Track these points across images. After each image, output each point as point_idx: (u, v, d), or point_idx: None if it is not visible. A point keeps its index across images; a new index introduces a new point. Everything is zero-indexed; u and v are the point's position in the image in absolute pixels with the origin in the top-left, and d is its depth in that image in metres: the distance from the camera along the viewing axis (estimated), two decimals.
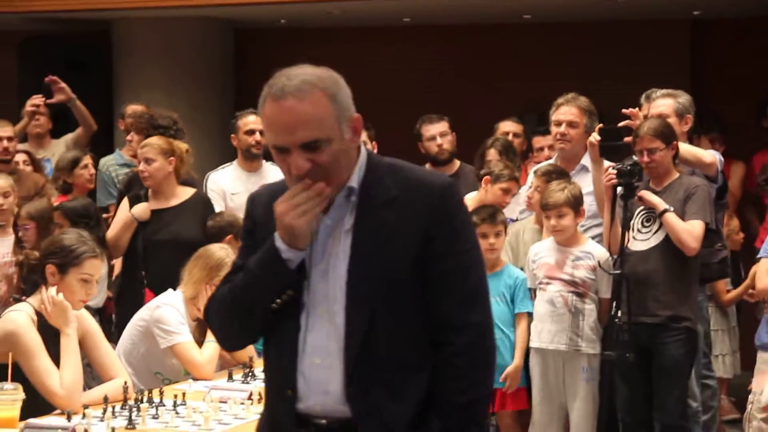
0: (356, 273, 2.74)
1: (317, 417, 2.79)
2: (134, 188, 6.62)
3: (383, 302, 2.74)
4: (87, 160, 7.19)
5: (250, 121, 7.14)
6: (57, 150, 7.97)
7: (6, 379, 4.00)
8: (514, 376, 5.87)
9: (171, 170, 6.37)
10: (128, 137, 7.66)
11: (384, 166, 2.84)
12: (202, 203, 6.50)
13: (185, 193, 6.46)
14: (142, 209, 6.36)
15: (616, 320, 5.37)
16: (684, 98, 6.20)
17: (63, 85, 7.69)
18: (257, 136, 7.07)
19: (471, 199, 6.30)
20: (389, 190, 2.78)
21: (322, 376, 2.76)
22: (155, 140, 6.45)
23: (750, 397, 5.96)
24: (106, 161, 8.06)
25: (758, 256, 5.98)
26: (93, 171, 7.20)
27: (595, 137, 5.84)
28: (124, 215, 6.40)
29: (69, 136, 8.07)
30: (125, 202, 6.46)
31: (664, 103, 6.16)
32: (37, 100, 7.79)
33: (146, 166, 6.33)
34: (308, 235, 2.76)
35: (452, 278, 2.78)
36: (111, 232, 6.40)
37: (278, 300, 2.79)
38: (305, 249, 2.77)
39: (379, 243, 2.74)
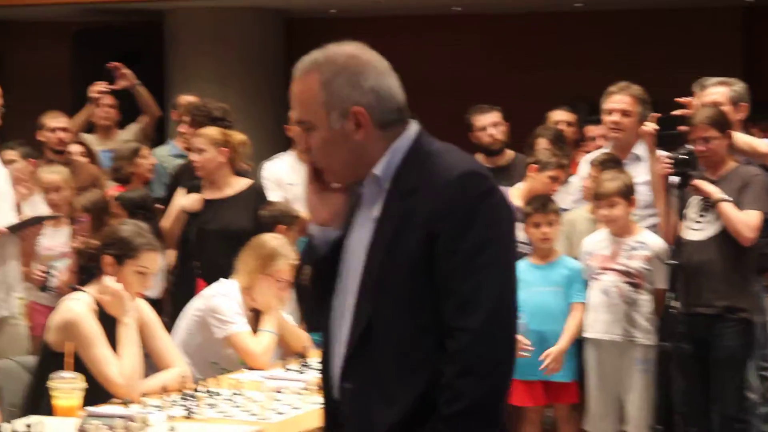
0: (368, 266, 2.63)
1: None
2: (184, 179, 6.66)
3: (387, 300, 2.59)
4: (147, 150, 7.23)
5: None
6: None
7: (65, 368, 4.05)
8: (556, 358, 5.80)
9: (223, 160, 6.38)
10: (180, 128, 7.68)
11: (423, 154, 2.65)
12: (255, 194, 6.51)
13: (239, 183, 6.48)
14: (191, 200, 6.38)
15: (672, 311, 5.34)
16: (738, 86, 6.13)
17: (126, 71, 7.72)
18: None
19: (520, 189, 6.28)
20: (413, 180, 2.62)
21: (336, 367, 2.69)
22: (208, 131, 6.47)
23: None
24: (158, 152, 8.10)
25: None
26: (153, 161, 7.22)
27: (651, 127, 5.79)
28: (176, 206, 6.44)
29: (133, 126, 8.10)
30: (180, 192, 6.49)
31: (717, 91, 6.08)
32: (101, 86, 7.82)
33: (198, 156, 6.37)
34: (320, 212, 2.74)
35: (454, 278, 2.55)
36: (164, 223, 6.44)
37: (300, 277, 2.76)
38: (322, 225, 2.73)
39: (389, 237, 2.60)
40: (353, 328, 2.64)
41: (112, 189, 6.93)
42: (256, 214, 6.31)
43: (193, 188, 6.44)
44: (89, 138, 8.08)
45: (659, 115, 5.86)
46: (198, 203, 6.37)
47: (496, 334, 2.55)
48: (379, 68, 2.68)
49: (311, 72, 2.68)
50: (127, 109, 8.21)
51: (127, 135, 7.94)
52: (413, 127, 2.69)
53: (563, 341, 5.83)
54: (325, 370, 2.74)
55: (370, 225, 2.66)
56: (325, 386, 2.76)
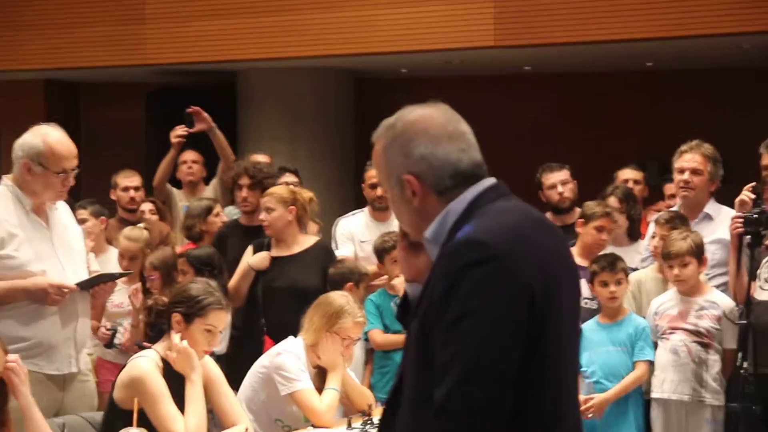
0: (413, 326, 2.64)
1: None
2: (226, 240, 6.70)
3: (408, 362, 2.61)
4: (219, 208, 7.29)
5: (371, 174, 7.15)
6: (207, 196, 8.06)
7: (132, 425, 4.08)
8: (598, 405, 5.70)
9: (291, 219, 6.43)
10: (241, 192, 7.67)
11: (471, 216, 2.58)
12: (323, 251, 6.55)
13: (307, 241, 6.52)
14: (259, 259, 6.42)
15: (742, 371, 5.25)
16: None
17: (205, 115, 7.83)
18: (379, 190, 7.08)
19: (577, 246, 6.25)
20: (443, 246, 2.59)
21: None
22: (276, 189, 6.54)
23: None
24: (229, 211, 8.17)
25: None
26: (225, 219, 7.27)
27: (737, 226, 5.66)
28: (244, 264, 6.48)
29: (214, 181, 8.20)
30: (249, 249, 6.54)
31: None
32: (181, 130, 7.91)
33: (266, 215, 6.41)
34: (407, 269, 2.80)
35: (437, 348, 2.45)
36: (231, 281, 6.47)
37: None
38: (411, 282, 2.77)
39: (422, 301, 2.59)
40: (394, 384, 2.68)
41: (185, 246, 7.00)
42: (323, 271, 6.34)
43: (261, 246, 6.48)
44: (177, 193, 8.17)
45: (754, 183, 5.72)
46: (266, 261, 6.41)
47: (463, 407, 2.40)
48: (435, 134, 2.64)
49: (379, 137, 2.75)
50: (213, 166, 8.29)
51: (209, 192, 8.01)
52: (477, 188, 2.62)
53: (612, 390, 5.75)
54: None
55: None
56: None
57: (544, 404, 2.49)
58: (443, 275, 2.49)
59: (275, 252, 6.45)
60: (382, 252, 6.52)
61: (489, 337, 2.42)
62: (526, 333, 2.44)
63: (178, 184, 8.32)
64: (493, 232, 2.51)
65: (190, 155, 8.26)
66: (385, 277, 6.65)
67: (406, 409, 2.57)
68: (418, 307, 2.60)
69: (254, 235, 6.63)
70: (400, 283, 6.41)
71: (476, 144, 2.69)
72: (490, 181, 2.66)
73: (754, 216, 5.45)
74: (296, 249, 6.46)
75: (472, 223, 2.55)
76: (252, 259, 6.44)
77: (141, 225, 7.05)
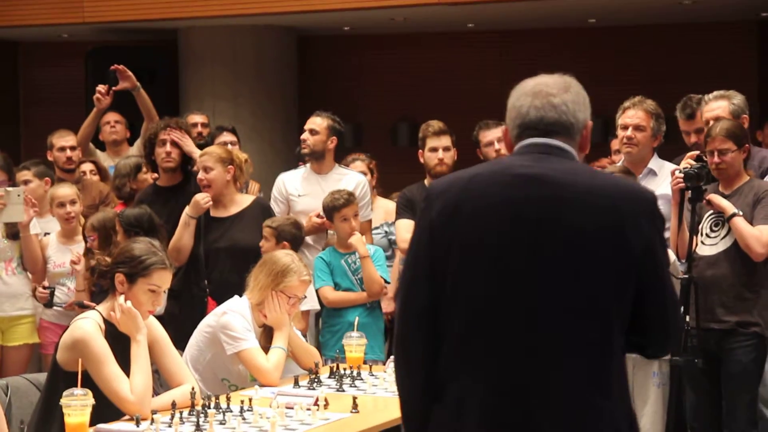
0: None
1: None
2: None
3: None
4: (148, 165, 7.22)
5: (306, 123, 7.15)
6: None
7: (76, 386, 4.05)
8: None
9: (230, 178, 6.39)
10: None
11: None
12: (262, 209, 6.53)
13: (245, 200, 6.48)
14: (195, 204, 6.27)
15: (684, 326, 5.31)
16: (738, 99, 6.10)
17: (129, 73, 7.73)
18: (304, 134, 7.06)
19: None
20: None
21: None
22: (214, 149, 6.50)
23: None
24: None
25: None
26: (155, 176, 7.20)
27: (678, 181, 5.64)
28: (184, 216, 6.37)
29: (138, 141, 8.12)
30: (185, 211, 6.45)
31: (718, 106, 6.06)
32: (103, 87, 7.80)
33: (204, 174, 6.36)
34: None
35: None
36: (173, 238, 6.36)
37: None
38: None
39: None
40: None
41: (119, 206, 6.93)
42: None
43: None
44: (101, 155, 8.10)
45: (697, 153, 5.73)
46: (203, 203, 6.28)
47: (398, 295, 2.98)
48: (521, 90, 3.00)
49: None
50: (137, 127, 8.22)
51: (135, 150, 7.94)
52: (526, 141, 2.95)
53: None
54: None
55: None
56: None
57: (453, 336, 2.86)
58: None
59: (213, 213, 6.40)
60: (331, 210, 6.50)
61: (408, 255, 2.98)
62: (430, 259, 2.88)
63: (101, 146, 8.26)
64: (446, 179, 3.00)
65: (112, 116, 8.20)
66: (332, 232, 6.64)
67: None
68: None
69: (174, 196, 6.55)
70: (356, 240, 6.40)
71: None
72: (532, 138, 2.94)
73: (695, 171, 5.48)
74: (234, 209, 6.42)
75: None
76: (188, 207, 6.33)
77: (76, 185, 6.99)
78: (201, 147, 6.75)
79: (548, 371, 2.77)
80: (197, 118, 8.25)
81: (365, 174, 7.34)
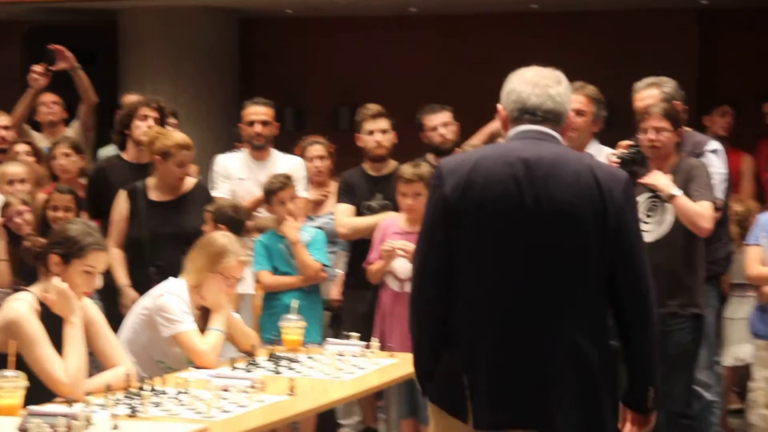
0: None
1: None
2: (109, 177, 6.57)
3: None
4: (63, 148, 7.15)
5: (250, 111, 7.12)
6: None
7: (8, 368, 4.00)
8: None
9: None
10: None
11: None
12: (203, 192, 6.52)
13: (186, 184, 6.43)
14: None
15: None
16: (669, 85, 6.13)
17: (68, 53, 7.62)
18: (257, 127, 7.04)
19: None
20: None
21: None
22: (143, 139, 6.45)
23: (751, 385, 5.98)
24: (104, 151, 8.03)
25: (745, 242, 6.00)
26: (75, 159, 7.12)
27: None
28: (118, 213, 6.31)
29: (76, 122, 8.03)
30: (122, 194, 6.36)
31: (649, 95, 6.08)
32: (39, 68, 7.69)
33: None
34: None
35: None
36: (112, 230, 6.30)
37: None
38: None
39: None
40: None
41: (49, 188, 6.83)
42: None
43: (135, 191, 6.34)
44: (36, 135, 7.99)
45: (630, 143, 5.76)
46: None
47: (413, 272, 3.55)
48: (520, 77, 3.54)
49: None
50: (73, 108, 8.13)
51: (71, 131, 7.85)
52: (520, 127, 3.49)
53: None
54: None
55: None
56: None
57: (464, 292, 3.42)
58: None
59: (155, 197, 6.33)
60: (270, 193, 6.49)
61: (423, 224, 3.51)
62: (444, 228, 3.42)
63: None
64: (453, 159, 3.60)
65: (49, 97, 8.08)
66: (269, 216, 6.62)
67: None
68: None
69: (139, 172, 6.50)
70: (287, 226, 6.39)
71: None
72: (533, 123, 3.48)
73: (630, 155, 5.50)
74: (177, 193, 6.37)
75: None
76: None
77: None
78: None
79: (546, 322, 3.35)
80: (134, 99, 8.16)
81: (324, 158, 7.34)
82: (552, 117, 3.49)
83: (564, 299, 3.36)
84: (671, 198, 5.48)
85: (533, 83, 3.50)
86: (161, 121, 6.79)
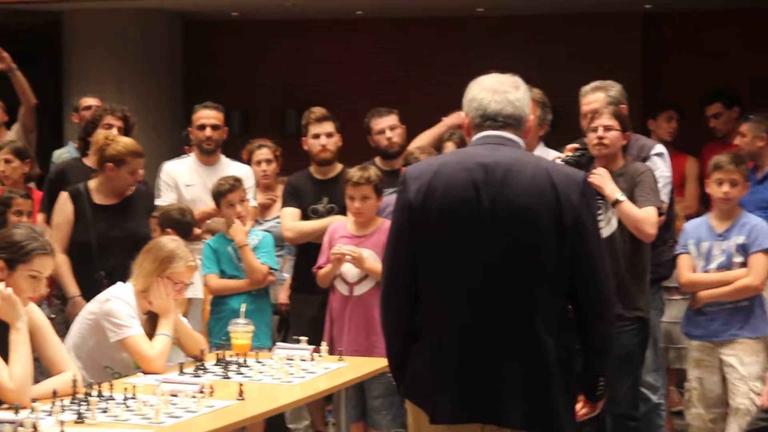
0: None
1: None
2: (70, 180, 6.51)
3: None
4: (4, 154, 7.09)
5: (200, 115, 7.09)
6: None
7: None
8: None
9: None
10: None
11: None
12: (146, 196, 6.51)
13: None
14: None
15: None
16: (614, 90, 6.18)
17: (5, 54, 7.52)
18: (207, 131, 7.02)
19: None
20: None
21: None
22: (95, 137, 6.41)
23: (686, 385, 6.06)
24: (60, 154, 7.97)
25: (676, 252, 6.07)
26: (16, 164, 7.10)
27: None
28: (61, 218, 6.24)
29: (16, 125, 7.95)
30: (64, 196, 6.29)
31: (595, 99, 6.12)
32: None
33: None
34: None
35: None
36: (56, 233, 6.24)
37: None
38: None
39: None
40: None
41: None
42: (150, 216, 6.28)
43: (77, 192, 6.28)
44: None
45: (576, 145, 5.78)
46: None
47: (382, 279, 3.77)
48: (480, 85, 3.70)
49: None
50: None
51: (12, 136, 7.78)
52: (481, 133, 3.66)
53: None
54: None
55: None
56: None
57: (428, 291, 3.61)
58: None
59: (99, 200, 6.28)
60: (218, 195, 6.47)
61: (391, 227, 3.71)
62: (410, 231, 3.61)
63: None
64: (417, 166, 3.78)
65: None
66: (219, 219, 6.59)
67: None
68: None
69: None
70: (235, 229, 6.36)
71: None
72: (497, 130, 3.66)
73: (575, 159, 5.52)
74: (121, 196, 6.32)
75: None
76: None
77: None
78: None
79: (504, 319, 3.52)
80: (90, 101, 8.12)
81: (270, 161, 7.32)
82: (512, 121, 3.66)
83: (522, 297, 3.53)
84: (616, 203, 5.52)
85: (493, 90, 3.67)
86: (126, 130, 6.76)
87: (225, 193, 6.42)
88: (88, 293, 5.86)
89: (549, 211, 3.52)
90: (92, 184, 6.29)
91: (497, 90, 3.67)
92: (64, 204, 6.27)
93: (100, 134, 6.39)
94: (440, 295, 3.60)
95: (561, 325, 3.57)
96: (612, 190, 5.53)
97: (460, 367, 3.56)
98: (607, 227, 5.61)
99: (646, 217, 5.51)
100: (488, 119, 3.66)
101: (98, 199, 6.27)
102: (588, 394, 3.71)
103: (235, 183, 6.47)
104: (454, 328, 3.57)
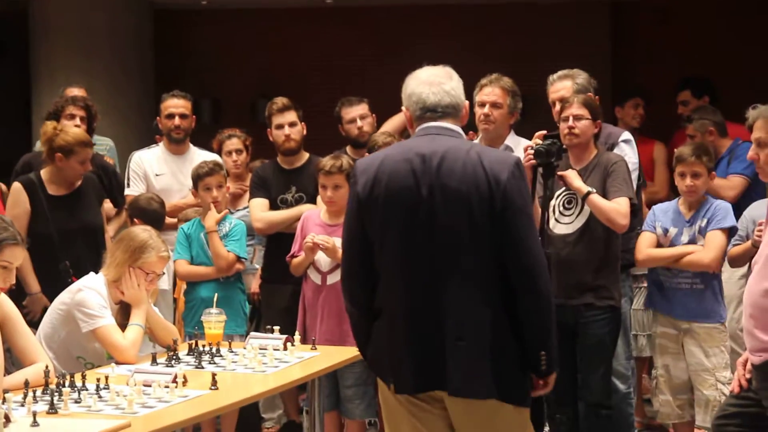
0: None
1: None
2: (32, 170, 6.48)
3: None
4: None
5: (169, 104, 7.08)
6: None
7: None
8: None
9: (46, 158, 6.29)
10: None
11: None
12: (95, 184, 6.45)
13: None
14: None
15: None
16: (582, 78, 6.18)
17: None
18: (176, 120, 7.01)
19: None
20: None
21: None
22: (44, 127, 6.37)
23: (653, 372, 6.09)
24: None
25: (641, 229, 6.11)
26: None
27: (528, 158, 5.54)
28: (19, 209, 6.20)
29: None
30: (18, 187, 6.26)
31: (563, 86, 6.13)
32: None
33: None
34: None
35: None
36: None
37: None
38: None
39: None
40: None
41: None
42: (101, 205, 6.34)
43: (30, 182, 6.25)
44: None
45: (545, 132, 5.77)
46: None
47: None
48: (416, 79, 3.99)
49: None
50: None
51: None
52: (423, 125, 3.94)
53: None
54: None
55: None
56: None
57: (382, 275, 3.91)
58: None
59: (52, 191, 6.25)
60: (197, 178, 6.47)
61: (346, 215, 4.01)
62: (360, 220, 3.91)
63: None
64: (365, 159, 4.05)
65: None
66: (198, 209, 6.59)
67: None
68: None
69: None
70: (207, 215, 6.35)
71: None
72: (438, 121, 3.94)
73: (545, 147, 5.46)
74: (72, 187, 6.29)
75: None
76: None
77: None
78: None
79: (445, 294, 3.80)
80: (76, 92, 8.06)
81: (241, 151, 7.30)
82: (451, 110, 3.95)
83: (460, 274, 3.80)
84: (586, 196, 5.52)
85: (429, 83, 3.95)
86: (89, 120, 6.73)
87: (203, 176, 6.42)
88: (53, 285, 5.85)
89: (480, 194, 3.78)
90: (44, 174, 6.27)
91: (433, 82, 3.94)
92: (19, 195, 6.24)
93: (48, 125, 6.34)
94: (391, 278, 3.88)
95: (499, 299, 3.80)
96: (580, 186, 5.54)
97: (413, 343, 3.84)
98: (577, 219, 5.62)
99: (618, 208, 5.51)
100: (428, 111, 3.94)
101: (51, 189, 6.25)
102: (532, 369, 3.89)
103: (215, 167, 6.47)
104: (405, 308, 3.86)
